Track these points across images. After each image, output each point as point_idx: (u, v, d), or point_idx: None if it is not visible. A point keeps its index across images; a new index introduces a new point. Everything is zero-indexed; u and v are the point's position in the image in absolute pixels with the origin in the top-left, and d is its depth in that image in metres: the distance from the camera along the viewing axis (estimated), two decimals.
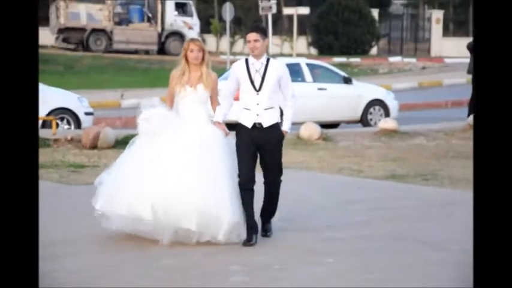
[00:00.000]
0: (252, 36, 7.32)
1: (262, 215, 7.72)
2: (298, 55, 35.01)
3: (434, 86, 32.23)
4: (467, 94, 18.04)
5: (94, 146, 14.07)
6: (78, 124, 16.84)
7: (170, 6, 40.62)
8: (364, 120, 18.93)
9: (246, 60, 7.46)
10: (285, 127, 7.55)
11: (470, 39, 19.27)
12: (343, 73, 19.71)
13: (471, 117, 16.25)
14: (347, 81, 18.98)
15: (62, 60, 35.78)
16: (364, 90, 19.38)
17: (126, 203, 7.23)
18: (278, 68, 7.45)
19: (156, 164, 7.30)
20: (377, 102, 19.16)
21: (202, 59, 7.54)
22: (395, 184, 11.03)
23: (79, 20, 39.45)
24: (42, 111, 16.78)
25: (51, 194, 9.92)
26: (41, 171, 11.66)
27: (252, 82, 7.34)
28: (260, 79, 7.34)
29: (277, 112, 7.45)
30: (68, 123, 16.97)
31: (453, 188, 10.60)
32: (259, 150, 7.42)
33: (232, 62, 29.74)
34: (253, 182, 7.35)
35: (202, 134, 7.42)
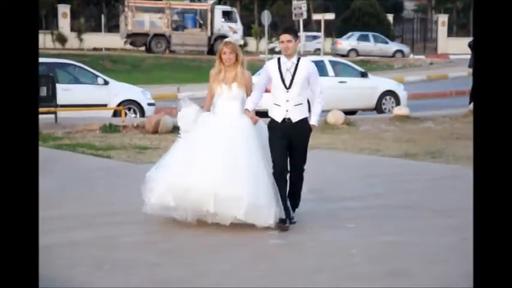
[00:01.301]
0: (285, 37, 6.81)
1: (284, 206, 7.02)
2: (326, 54, 34.83)
3: (440, 78, 31.93)
4: (468, 85, 17.89)
5: (155, 131, 14.14)
6: (142, 113, 16.96)
7: (218, 14, 40.73)
8: (378, 108, 18.94)
9: (279, 59, 6.92)
10: (313, 121, 6.98)
11: (470, 39, 19.15)
12: (360, 68, 19.68)
13: (472, 104, 16.12)
14: (363, 75, 18.99)
15: (130, 60, 35.96)
16: (378, 83, 19.36)
17: (158, 192, 6.79)
18: (307, 66, 6.88)
19: (186, 155, 6.83)
20: (389, 93, 19.11)
21: (236, 59, 7.00)
22: (408, 161, 10.95)
23: (143, 26, 39.64)
24: (113, 103, 16.94)
25: (120, 171, 9.99)
26: (112, 152, 11.75)
27: (283, 80, 6.80)
28: (290, 78, 6.79)
29: (305, 107, 6.91)
30: (134, 112, 17.10)
31: (456, 164, 10.50)
32: (290, 142, 6.86)
33: (269, 60, 29.79)
34: (286, 171, 6.85)
35: (234, 125, 6.87)
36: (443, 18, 48.61)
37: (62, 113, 15.83)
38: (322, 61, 19.02)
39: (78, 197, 8.46)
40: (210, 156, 6.67)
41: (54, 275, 5.49)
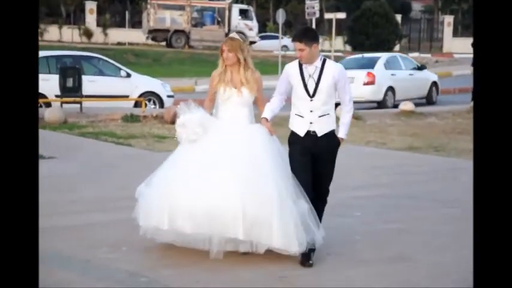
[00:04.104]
0: (297, 46, 5.40)
1: None
2: (336, 51, 34.68)
3: (445, 76, 31.70)
4: (471, 83, 17.78)
5: (173, 122, 14.05)
6: (161, 104, 16.97)
7: (235, 12, 40.71)
8: (428, 97, 20.33)
9: (300, 62, 5.49)
10: (341, 134, 5.63)
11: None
12: (417, 63, 21.47)
13: (473, 101, 16.01)
14: (420, 68, 20.62)
15: (151, 54, 35.99)
16: (428, 75, 20.60)
17: (167, 216, 5.29)
18: (334, 71, 5.47)
19: (195, 171, 5.32)
20: (435, 84, 20.47)
21: (238, 60, 5.59)
22: (412, 154, 10.90)
23: (164, 23, 39.65)
24: (135, 94, 16.96)
25: (140, 158, 9.99)
26: (133, 141, 11.77)
27: (306, 87, 5.43)
28: (314, 84, 5.43)
29: (332, 118, 5.55)
30: (154, 103, 17.12)
31: (458, 157, 10.44)
32: (313, 158, 5.48)
33: (283, 57, 29.91)
34: (309, 192, 5.39)
35: (245, 135, 5.47)
36: (449, 19, 48.39)
37: (86, 103, 15.89)
38: (395, 56, 20.83)
39: (99, 181, 8.47)
40: (227, 173, 5.25)
41: (73, 255, 5.48)
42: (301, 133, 5.49)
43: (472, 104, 16.01)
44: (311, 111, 5.46)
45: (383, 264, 5.42)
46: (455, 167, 9.61)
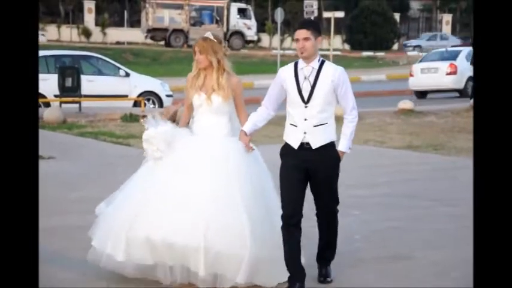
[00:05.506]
0: (301, 33, 4.65)
1: (319, 256, 5.03)
2: (335, 50, 34.69)
3: None
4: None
5: (173, 121, 14.04)
6: (160, 104, 16.99)
7: (234, 11, 40.81)
8: (463, 91, 20.69)
9: (295, 64, 4.77)
10: (342, 147, 4.83)
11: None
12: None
13: (473, 99, 16.02)
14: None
15: (150, 53, 35.99)
16: (466, 70, 20.64)
17: (123, 247, 4.71)
18: (333, 73, 4.71)
19: (156, 195, 4.73)
20: (470, 78, 20.67)
21: (210, 63, 4.95)
22: (411, 153, 10.90)
23: (163, 22, 39.71)
24: (134, 93, 16.99)
25: (139, 158, 9.96)
26: (132, 141, 11.75)
27: (300, 92, 4.69)
28: (309, 88, 4.68)
29: (331, 129, 4.76)
30: (153, 103, 17.15)
31: (457, 156, 10.44)
32: (309, 175, 4.76)
33: (282, 56, 29.87)
34: (298, 215, 4.70)
35: (217, 152, 4.79)
36: (447, 18, 48.50)
37: (85, 103, 15.89)
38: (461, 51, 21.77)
39: (98, 181, 8.46)
40: (196, 195, 4.64)
41: (73, 255, 5.47)
42: (295, 145, 4.74)
43: (471, 102, 16.02)
44: (305, 119, 4.71)
45: (382, 263, 5.43)
46: (454, 166, 9.61)
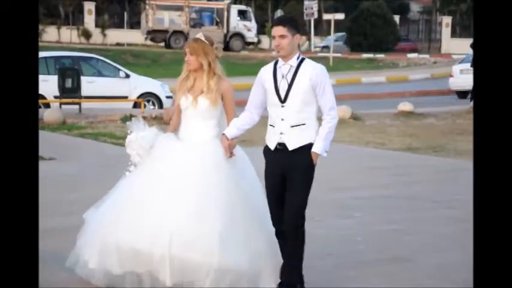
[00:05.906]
0: (277, 30, 4.44)
1: (280, 276, 4.59)
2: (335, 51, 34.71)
3: (443, 76, 31.57)
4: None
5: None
6: (160, 105, 16.99)
7: (234, 13, 40.78)
8: None
9: (276, 62, 4.57)
10: (316, 148, 4.45)
11: (472, 40, 19.27)
12: None
13: (473, 101, 16.05)
14: None
15: (150, 55, 35.99)
16: None
17: (97, 251, 4.68)
18: (312, 71, 4.46)
19: (130, 202, 4.67)
20: None
21: (201, 65, 4.76)
22: (411, 155, 10.90)
23: (163, 24, 39.71)
24: (134, 95, 16.99)
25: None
26: None
27: (277, 91, 4.48)
28: (286, 87, 4.46)
29: (310, 130, 4.49)
30: (153, 104, 17.15)
31: (457, 158, 10.44)
32: (285, 179, 4.50)
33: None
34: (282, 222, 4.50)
35: (196, 158, 4.63)
36: (447, 20, 48.47)
37: (85, 104, 15.90)
38: None
39: (98, 182, 8.44)
40: (169, 202, 4.52)
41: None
42: (271, 146, 4.54)
43: (471, 104, 16.03)
44: (282, 119, 4.48)
45: (383, 264, 5.43)
46: (454, 168, 9.61)
